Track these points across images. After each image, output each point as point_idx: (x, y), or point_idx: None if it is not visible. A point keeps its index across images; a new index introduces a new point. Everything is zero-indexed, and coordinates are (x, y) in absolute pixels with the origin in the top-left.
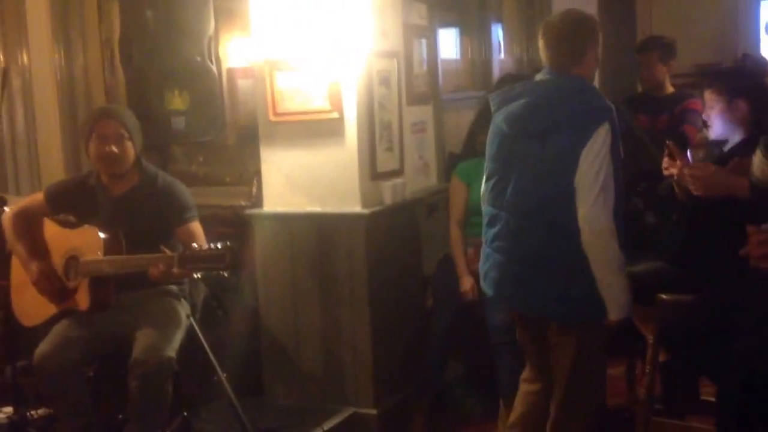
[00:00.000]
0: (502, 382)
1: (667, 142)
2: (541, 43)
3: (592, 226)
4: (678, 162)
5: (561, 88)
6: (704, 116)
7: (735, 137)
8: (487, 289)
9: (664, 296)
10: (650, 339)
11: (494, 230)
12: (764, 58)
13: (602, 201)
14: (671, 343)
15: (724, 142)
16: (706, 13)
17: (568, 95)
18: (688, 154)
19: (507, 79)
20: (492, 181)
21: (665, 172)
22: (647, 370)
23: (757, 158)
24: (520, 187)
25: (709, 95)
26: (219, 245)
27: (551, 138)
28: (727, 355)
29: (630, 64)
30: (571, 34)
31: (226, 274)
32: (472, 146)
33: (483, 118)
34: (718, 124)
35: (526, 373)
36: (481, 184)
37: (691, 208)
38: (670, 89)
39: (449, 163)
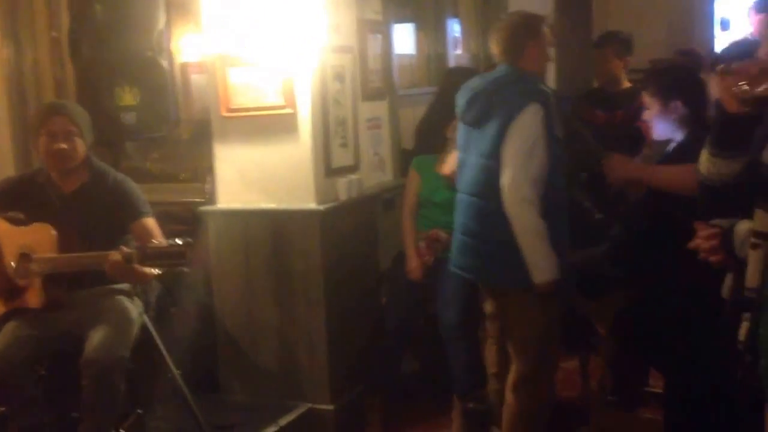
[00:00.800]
0: (456, 378)
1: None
2: (491, 42)
3: (511, 195)
4: None
5: (499, 78)
6: (644, 118)
7: (677, 136)
8: (451, 264)
9: (616, 291)
10: (603, 333)
11: (456, 211)
12: (699, 53)
13: (523, 173)
14: (623, 337)
15: (667, 141)
16: (661, 9)
17: (504, 83)
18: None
19: (455, 72)
20: (459, 168)
21: None
22: (600, 364)
23: (703, 156)
24: (468, 168)
25: (646, 97)
26: (179, 241)
27: (489, 121)
28: (675, 348)
29: (587, 60)
30: (512, 34)
31: (186, 270)
32: (423, 143)
33: (434, 115)
34: (658, 126)
35: (493, 369)
36: (431, 179)
37: (639, 204)
38: (626, 85)
39: (404, 160)
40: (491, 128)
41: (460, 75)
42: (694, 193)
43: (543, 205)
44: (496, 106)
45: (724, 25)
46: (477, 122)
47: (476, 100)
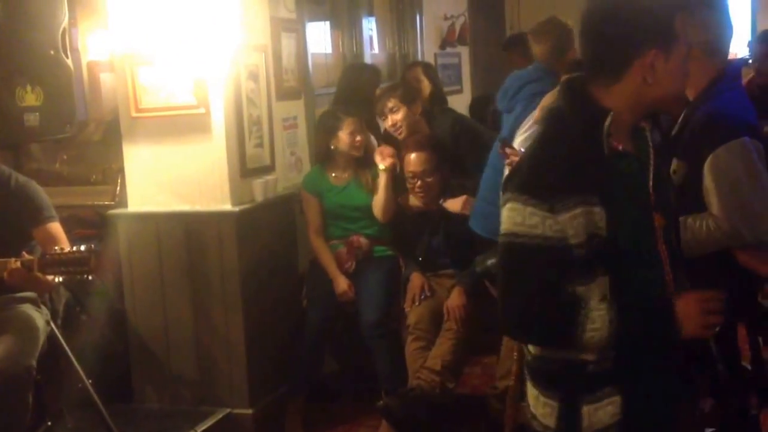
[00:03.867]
0: (380, 376)
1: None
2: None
3: None
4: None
5: (522, 76)
6: None
7: None
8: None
9: None
10: None
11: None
12: None
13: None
14: None
15: None
16: (572, 11)
17: (528, 79)
18: None
19: (350, 69)
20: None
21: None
22: (516, 358)
23: None
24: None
25: None
26: (83, 248)
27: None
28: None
29: (500, 60)
30: (556, 41)
31: (90, 278)
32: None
33: (328, 121)
34: None
35: None
36: (333, 192)
37: None
38: None
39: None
40: (513, 115)
41: (353, 72)
42: None
43: None
44: (516, 101)
45: None
46: (507, 110)
47: (507, 90)
